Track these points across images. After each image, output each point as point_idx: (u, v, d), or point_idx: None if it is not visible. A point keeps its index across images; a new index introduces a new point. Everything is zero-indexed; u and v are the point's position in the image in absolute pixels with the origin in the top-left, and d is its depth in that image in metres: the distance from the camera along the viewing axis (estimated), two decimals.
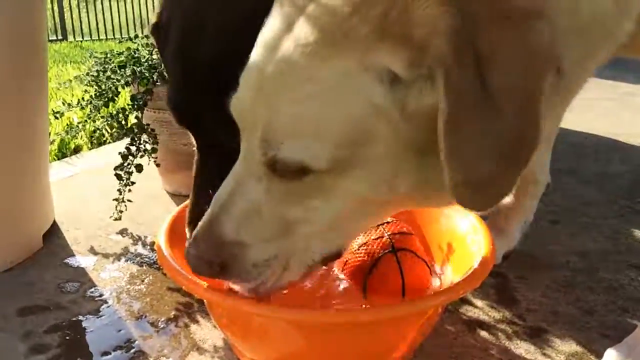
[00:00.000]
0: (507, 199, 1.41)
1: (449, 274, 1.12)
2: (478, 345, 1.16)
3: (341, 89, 0.70)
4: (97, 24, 9.50)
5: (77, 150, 2.48)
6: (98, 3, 10.01)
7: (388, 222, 1.14)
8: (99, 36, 9.24)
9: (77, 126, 1.75)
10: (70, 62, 5.77)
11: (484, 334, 1.19)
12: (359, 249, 1.11)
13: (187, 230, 1.01)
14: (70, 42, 8.63)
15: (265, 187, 0.77)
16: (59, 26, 9.15)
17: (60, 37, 8.96)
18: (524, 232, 1.45)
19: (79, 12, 9.74)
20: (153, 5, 9.73)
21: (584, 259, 1.49)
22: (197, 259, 0.81)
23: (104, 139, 2.47)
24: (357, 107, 0.70)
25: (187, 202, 1.16)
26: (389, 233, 1.11)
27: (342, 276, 1.14)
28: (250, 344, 1.02)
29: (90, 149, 2.49)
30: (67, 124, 1.84)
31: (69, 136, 2.22)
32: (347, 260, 1.12)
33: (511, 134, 0.65)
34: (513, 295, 1.33)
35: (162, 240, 1.04)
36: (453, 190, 0.68)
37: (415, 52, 0.66)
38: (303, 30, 0.72)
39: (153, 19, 1.10)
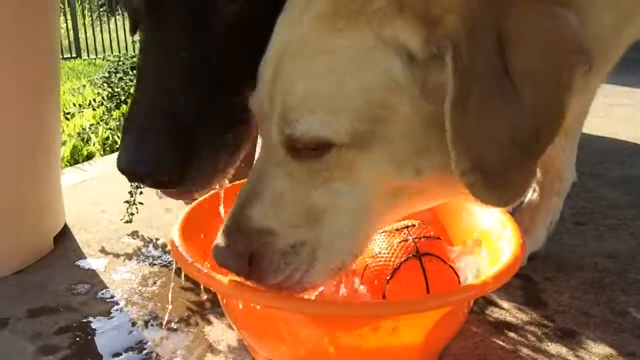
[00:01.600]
0: (531, 197, 1.39)
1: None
2: (506, 347, 1.10)
3: (358, 62, 0.68)
4: (110, 42, 9.60)
5: (89, 157, 2.45)
6: (112, 22, 10.13)
7: (413, 225, 1.07)
8: (112, 53, 9.32)
9: (90, 128, 1.72)
10: (85, 77, 5.80)
11: (512, 335, 1.13)
12: (380, 253, 1.04)
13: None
14: (84, 59, 8.71)
15: (288, 172, 0.75)
16: (73, 44, 9.27)
17: (74, 54, 9.06)
18: (549, 233, 1.40)
19: (93, 30, 9.85)
20: None
21: (612, 260, 1.43)
22: (225, 252, 0.77)
23: (117, 146, 2.45)
24: (375, 81, 0.68)
25: (200, 199, 1.12)
26: (413, 237, 1.04)
27: (358, 283, 1.05)
28: (266, 342, 0.97)
29: (102, 156, 2.47)
30: (80, 127, 1.81)
31: (81, 142, 2.21)
32: (367, 265, 1.05)
33: (528, 122, 0.62)
34: (540, 296, 1.27)
35: (176, 236, 1.00)
36: (462, 178, 0.65)
37: (430, 28, 0.64)
38: (319, 5, 0.71)
39: None
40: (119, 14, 10.39)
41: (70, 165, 2.33)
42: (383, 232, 1.05)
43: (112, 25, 9.88)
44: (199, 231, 1.07)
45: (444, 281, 1.01)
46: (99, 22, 10.19)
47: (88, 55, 9.12)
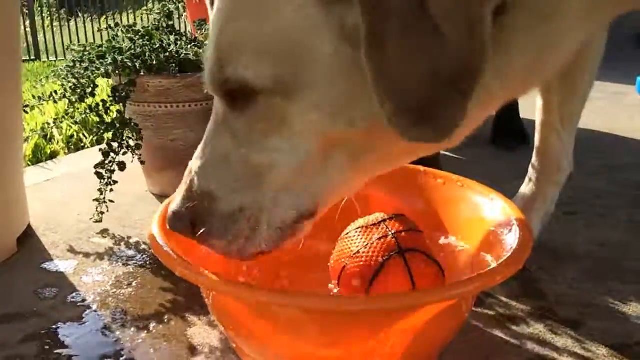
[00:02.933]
0: (526, 186, 1.35)
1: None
2: (511, 342, 1.04)
3: (274, 2, 0.67)
4: (70, 44, 9.31)
5: (53, 155, 2.32)
6: (72, 24, 9.86)
7: (391, 219, 0.99)
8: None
9: (54, 123, 1.61)
10: (45, 78, 5.59)
11: (515, 328, 1.08)
12: (358, 252, 0.94)
13: None
14: (44, 61, 8.44)
15: (230, 130, 0.73)
16: (32, 46, 8.99)
17: (33, 57, 8.78)
18: (544, 224, 1.35)
19: (53, 32, 9.56)
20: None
21: (605, 249, 1.40)
22: (172, 214, 0.77)
23: (82, 144, 2.33)
24: (290, 19, 0.66)
25: None
26: (393, 231, 0.95)
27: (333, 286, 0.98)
28: (258, 342, 0.88)
29: (67, 154, 2.34)
30: (44, 123, 1.69)
31: (44, 140, 2.09)
32: (345, 266, 0.95)
33: (452, 57, 0.60)
34: (538, 287, 1.23)
35: (156, 229, 0.91)
36: (390, 124, 0.63)
37: None
38: None
39: None
40: (79, 16, 10.12)
41: (33, 165, 2.20)
42: (359, 228, 0.98)
43: (73, 27, 9.61)
44: None
45: (430, 278, 0.94)
46: (58, 24, 9.90)
47: (48, 58, 8.84)
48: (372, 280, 0.89)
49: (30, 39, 8.93)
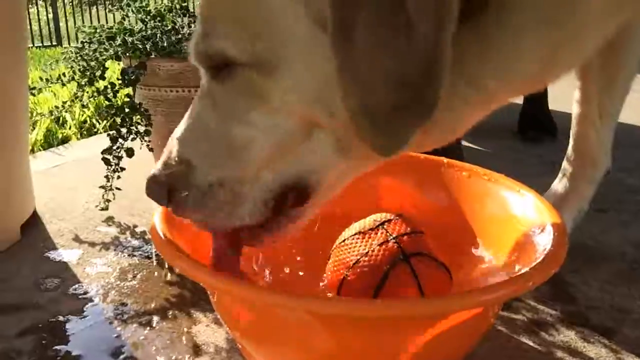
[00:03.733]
0: (559, 182, 1.26)
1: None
2: (539, 349, 0.96)
3: None
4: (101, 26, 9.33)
5: (65, 140, 2.28)
6: (94, 10, 9.88)
7: (389, 221, 0.90)
8: None
9: (63, 107, 1.55)
10: (55, 62, 5.60)
11: (543, 335, 1.00)
12: (358, 262, 0.86)
13: None
14: (65, 47, 8.47)
15: (212, 101, 0.70)
16: (53, 32, 9.03)
17: (54, 42, 8.82)
18: (576, 224, 1.26)
19: (74, 18, 9.59)
20: None
21: None
22: (149, 179, 0.73)
23: (95, 129, 2.28)
24: None
25: None
26: (394, 235, 0.86)
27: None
28: (267, 346, 0.82)
29: (79, 140, 2.29)
30: (53, 106, 1.64)
31: (56, 124, 2.04)
32: (344, 278, 0.87)
33: (420, 58, 0.56)
34: (568, 290, 1.14)
35: (158, 221, 0.85)
36: (353, 121, 0.60)
37: None
38: None
39: None
40: (100, 3, 10.14)
41: (44, 150, 2.15)
42: (356, 234, 0.89)
43: (94, 13, 9.63)
44: None
45: (438, 283, 0.87)
46: (79, 9, 9.92)
47: (69, 43, 8.87)
48: (377, 291, 0.81)
49: (52, 25, 8.99)
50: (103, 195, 1.39)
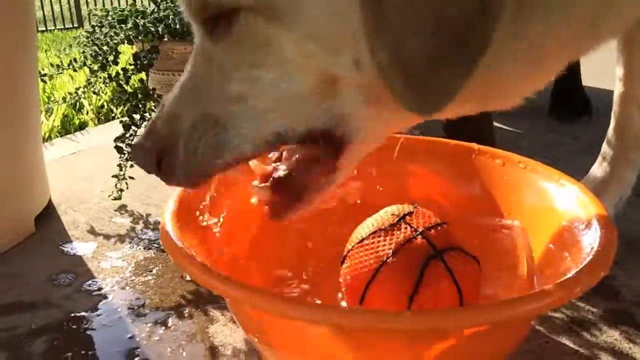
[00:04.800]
0: (599, 167, 1.17)
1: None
2: (581, 352, 0.89)
3: None
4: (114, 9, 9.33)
5: (82, 127, 2.24)
6: None
7: (409, 213, 0.82)
8: None
9: (76, 92, 1.50)
10: (69, 46, 5.59)
11: (585, 335, 0.92)
12: (386, 264, 0.76)
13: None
14: (86, 29, 8.48)
15: (207, 57, 0.62)
16: (74, 14, 9.05)
17: (76, 24, 8.84)
18: (617, 211, 1.17)
19: (95, 1, 9.58)
20: None
21: None
22: (136, 148, 0.66)
23: (112, 115, 2.24)
24: None
25: None
26: (420, 231, 0.78)
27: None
28: (287, 355, 0.76)
29: (96, 126, 2.25)
30: (66, 92, 1.59)
31: (73, 110, 2.00)
32: (369, 283, 0.76)
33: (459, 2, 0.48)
34: (612, 285, 1.06)
35: (169, 219, 0.79)
36: (383, 77, 0.53)
37: None
38: None
39: None
40: None
41: (61, 136, 2.12)
42: (375, 233, 0.80)
43: None
44: (200, 211, 0.86)
45: (473, 278, 0.80)
46: None
47: (90, 23, 8.88)
48: (413, 297, 0.74)
49: (73, 7, 9.00)
50: (116, 185, 1.34)
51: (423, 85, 0.52)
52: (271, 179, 0.70)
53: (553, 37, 0.59)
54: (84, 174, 1.68)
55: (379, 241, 0.78)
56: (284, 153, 0.71)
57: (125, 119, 1.35)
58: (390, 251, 0.77)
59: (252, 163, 0.71)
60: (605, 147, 1.18)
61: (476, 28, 0.49)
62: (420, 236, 0.78)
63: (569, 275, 0.64)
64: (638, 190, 1.42)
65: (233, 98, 0.60)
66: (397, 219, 0.81)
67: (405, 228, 0.80)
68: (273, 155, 0.72)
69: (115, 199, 1.35)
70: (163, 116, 0.64)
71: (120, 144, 1.33)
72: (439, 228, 0.81)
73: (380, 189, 1.07)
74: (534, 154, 1.00)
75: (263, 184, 0.71)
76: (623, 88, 1.10)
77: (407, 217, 0.82)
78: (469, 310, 0.67)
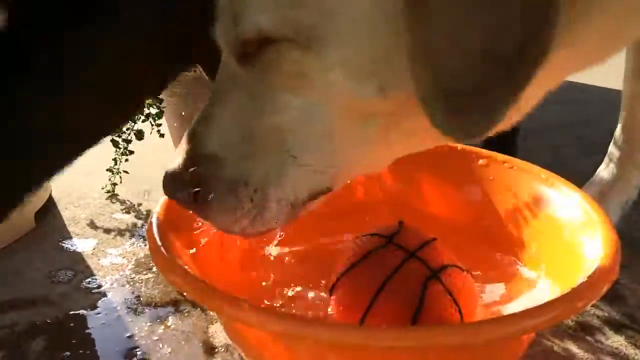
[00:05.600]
0: (605, 169, 1.16)
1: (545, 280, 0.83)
2: (585, 357, 0.88)
3: None
4: None
5: None
6: None
7: (397, 233, 0.79)
8: None
9: None
10: None
11: (590, 340, 0.91)
12: (384, 289, 0.73)
13: None
14: None
15: (240, 86, 0.61)
16: None
17: None
18: (623, 214, 1.16)
19: None
20: None
21: None
22: (170, 177, 0.64)
23: None
24: None
25: None
26: (412, 250, 0.76)
27: None
28: None
29: None
30: None
31: None
32: (365, 314, 0.74)
33: (513, 29, 0.47)
34: (617, 289, 1.05)
35: (155, 226, 0.78)
36: (422, 104, 0.51)
37: None
38: None
39: None
40: None
41: None
42: (366, 256, 0.77)
43: None
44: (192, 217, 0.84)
45: (468, 292, 0.78)
46: None
47: None
48: (416, 318, 0.72)
49: None
50: (110, 179, 1.34)
51: (467, 114, 0.51)
52: None
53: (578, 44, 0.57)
54: (85, 169, 1.66)
55: (372, 267, 0.76)
56: None
57: None
58: (387, 275, 0.74)
59: None
60: (612, 148, 1.16)
61: (524, 58, 0.47)
62: (414, 257, 0.76)
63: (573, 287, 0.63)
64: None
65: (269, 133, 0.60)
66: (385, 241, 0.78)
67: (397, 250, 0.77)
68: None
69: (108, 192, 1.34)
70: (203, 152, 0.62)
71: (117, 138, 1.32)
72: (430, 245, 0.79)
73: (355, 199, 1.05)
74: (535, 153, 0.99)
75: None
76: (630, 87, 1.09)
77: (395, 237, 0.79)
78: (467, 327, 0.65)
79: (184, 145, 0.65)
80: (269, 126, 0.61)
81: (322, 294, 0.89)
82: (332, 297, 0.80)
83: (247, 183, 0.62)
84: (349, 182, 0.67)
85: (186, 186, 0.63)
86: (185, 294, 0.68)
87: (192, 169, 0.63)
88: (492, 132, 0.57)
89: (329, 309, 0.81)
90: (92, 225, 1.33)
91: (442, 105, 0.51)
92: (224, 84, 0.64)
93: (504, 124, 0.61)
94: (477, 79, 0.49)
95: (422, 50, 0.49)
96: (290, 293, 0.93)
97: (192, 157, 0.63)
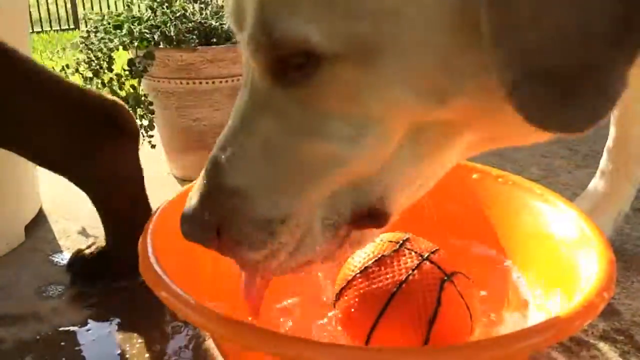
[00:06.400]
0: (597, 182, 1.15)
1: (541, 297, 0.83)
2: None
3: None
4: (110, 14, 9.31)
5: None
6: None
7: (407, 239, 0.80)
8: None
9: None
10: (62, 49, 5.57)
11: (583, 354, 0.91)
12: (400, 291, 0.72)
13: None
14: (81, 31, 8.45)
15: (272, 110, 0.54)
16: (70, 16, 9.03)
17: (72, 26, 8.82)
18: (616, 226, 1.16)
19: (92, 2, 9.57)
20: None
21: None
22: (190, 218, 0.57)
23: None
24: None
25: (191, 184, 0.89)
26: (425, 256, 0.75)
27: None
28: None
29: None
30: None
31: None
32: (380, 315, 0.73)
33: (612, 3, 0.42)
34: (611, 303, 1.04)
35: (148, 240, 0.76)
36: (510, 94, 0.45)
37: None
38: None
39: None
40: None
41: None
42: (379, 259, 0.76)
43: None
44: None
45: (475, 298, 0.78)
46: None
47: (86, 27, 8.85)
48: (431, 323, 0.71)
49: (69, 8, 8.98)
50: None
51: (576, 98, 0.45)
52: None
53: None
54: None
55: (383, 269, 0.75)
56: None
57: None
58: (402, 278, 0.74)
59: None
60: (604, 161, 1.17)
61: (631, 28, 0.43)
62: (427, 261, 0.76)
63: (570, 307, 0.63)
64: (636, 205, 1.41)
65: (306, 162, 0.54)
66: (397, 245, 0.78)
67: (410, 254, 0.77)
68: None
69: None
70: (225, 187, 0.56)
71: None
72: (439, 251, 0.79)
73: None
74: (529, 165, 0.98)
75: None
76: (620, 103, 1.09)
77: (407, 242, 0.79)
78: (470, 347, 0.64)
79: (202, 180, 0.58)
80: (312, 155, 0.53)
81: (324, 297, 0.88)
82: (337, 302, 0.79)
83: (286, 220, 0.55)
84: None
85: (208, 226, 0.56)
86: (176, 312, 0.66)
87: (213, 206, 0.56)
88: (598, 123, 0.49)
89: (329, 315, 0.81)
90: (83, 238, 1.32)
91: (539, 94, 0.45)
92: (252, 105, 0.55)
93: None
94: (581, 56, 0.44)
95: (510, 37, 0.44)
96: (285, 303, 0.92)
97: (212, 193, 0.56)
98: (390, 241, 0.79)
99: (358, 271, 0.77)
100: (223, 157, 0.56)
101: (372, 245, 0.80)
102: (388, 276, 0.74)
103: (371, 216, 0.58)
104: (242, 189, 0.55)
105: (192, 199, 0.58)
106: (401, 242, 0.79)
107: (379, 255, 0.77)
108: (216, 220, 0.56)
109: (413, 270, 0.74)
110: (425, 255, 0.76)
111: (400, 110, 0.51)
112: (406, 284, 0.73)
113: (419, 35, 0.48)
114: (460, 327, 0.73)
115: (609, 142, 1.15)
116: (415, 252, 0.77)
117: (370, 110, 0.51)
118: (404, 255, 0.76)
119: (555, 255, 0.81)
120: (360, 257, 0.79)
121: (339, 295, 0.79)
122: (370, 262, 0.77)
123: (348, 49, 0.48)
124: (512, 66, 0.45)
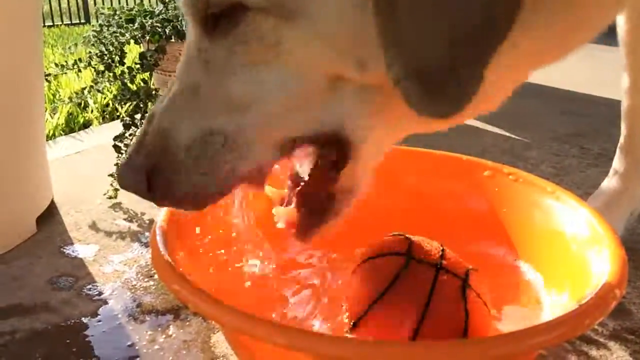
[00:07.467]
0: (610, 180, 1.15)
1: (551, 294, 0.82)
2: None
3: None
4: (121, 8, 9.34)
5: (87, 125, 2.23)
6: None
7: (410, 247, 0.78)
8: None
9: (82, 92, 1.49)
10: (74, 45, 5.60)
11: (593, 354, 0.90)
12: (431, 304, 0.71)
13: None
14: (93, 25, 8.48)
15: (203, 59, 0.58)
16: (82, 10, 9.06)
17: (83, 20, 8.84)
18: (629, 226, 1.15)
19: None
20: None
21: None
22: (123, 166, 0.61)
23: (117, 113, 2.22)
24: None
25: None
26: (439, 264, 0.74)
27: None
28: None
29: (101, 124, 2.24)
30: (72, 92, 1.58)
31: (77, 108, 1.99)
32: (416, 330, 0.71)
33: (478, 10, 0.49)
34: (621, 302, 1.04)
35: (160, 233, 0.77)
36: (397, 87, 0.52)
37: None
38: None
39: None
40: None
41: (65, 134, 2.10)
42: (398, 274, 0.74)
43: None
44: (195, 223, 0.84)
45: (487, 295, 0.78)
46: None
47: (97, 21, 8.87)
48: (466, 330, 0.71)
49: (80, 2, 9.00)
50: (112, 183, 1.34)
51: (441, 92, 0.52)
52: (294, 198, 0.68)
53: (537, 45, 0.59)
54: (88, 174, 1.66)
55: (407, 290, 0.73)
56: (289, 182, 0.70)
57: (127, 118, 1.34)
58: (428, 291, 0.72)
59: (268, 190, 0.69)
60: (616, 162, 1.16)
61: (493, 32, 0.50)
62: (444, 270, 0.74)
63: (581, 304, 0.62)
64: None
65: (238, 103, 0.58)
66: (404, 260, 0.76)
67: (420, 266, 0.74)
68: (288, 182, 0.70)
69: (110, 197, 1.34)
70: (154, 129, 0.60)
71: (119, 143, 1.32)
72: (445, 252, 0.78)
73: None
74: (541, 164, 0.98)
75: (286, 207, 0.69)
76: (630, 101, 1.09)
77: (412, 253, 0.77)
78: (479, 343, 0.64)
79: (138, 133, 0.62)
80: (237, 96, 0.58)
81: (324, 299, 0.89)
82: (356, 330, 0.76)
83: (213, 132, 0.58)
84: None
85: (138, 171, 0.60)
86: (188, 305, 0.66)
87: (143, 151, 0.59)
88: (465, 115, 0.57)
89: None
90: (94, 231, 1.33)
91: (417, 86, 0.51)
92: (187, 59, 0.60)
93: (475, 111, 0.62)
94: (449, 58, 0.50)
95: (393, 41, 0.50)
96: (292, 300, 0.92)
97: (143, 140, 0.60)
98: (395, 254, 0.77)
99: (375, 299, 0.74)
100: (157, 108, 0.61)
101: (379, 262, 0.77)
102: (412, 298, 0.72)
103: (338, 142, 0.62)
104: (169, 128, 0.59)
105: (128, 150, 0.62)
106: (407, 252, 0.76)
107: (393, 277, 0.74)
108: (146, 162, 0.59)
109: (432, 287, 0.72)
110: (438, 265, 0.75)
111: (320, 65, 0.56)
112: (431, 304, 0.71)
113: (333, 5, 0.53)
114: (487, 326, 0.74)
115: (620, 143, 1.15)
116: (426, 262, 0.75)
117: (290, 61, 0.56)
118: (417, 269, 0.74)
119: (566, 253, 0.80)
120: (367, 280, 0.77)
121: (356, 324, 0.76)
122: (386, 286, 0.74)
123: (271, 5, 0.54)
124: (394, 65, 0.51)
